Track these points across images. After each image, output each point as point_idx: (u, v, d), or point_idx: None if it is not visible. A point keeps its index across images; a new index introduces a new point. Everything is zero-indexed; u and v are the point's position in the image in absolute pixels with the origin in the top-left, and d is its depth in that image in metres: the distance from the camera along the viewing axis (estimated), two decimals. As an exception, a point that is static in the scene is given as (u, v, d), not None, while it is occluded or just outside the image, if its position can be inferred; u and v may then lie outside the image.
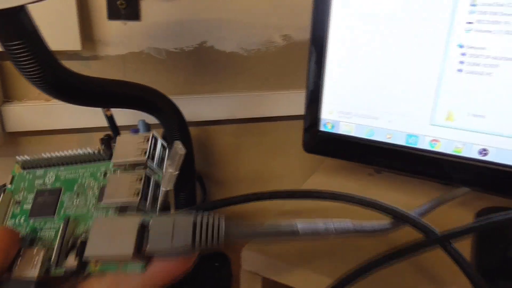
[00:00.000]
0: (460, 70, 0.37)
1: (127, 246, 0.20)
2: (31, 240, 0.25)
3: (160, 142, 0.25)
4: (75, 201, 0.25)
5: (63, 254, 0.23)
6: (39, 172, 0.28)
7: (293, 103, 0.66)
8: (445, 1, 0.36)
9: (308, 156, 0.50)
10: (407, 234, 0.33)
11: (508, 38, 0.35)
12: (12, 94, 0.58)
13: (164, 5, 0.58)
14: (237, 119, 0.66)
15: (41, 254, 0.23)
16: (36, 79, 0.32)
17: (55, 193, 0.26)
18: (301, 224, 0.24)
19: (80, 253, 0.22)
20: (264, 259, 0.39)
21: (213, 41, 0.61)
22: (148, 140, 0.24)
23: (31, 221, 0.26)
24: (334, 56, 0.42)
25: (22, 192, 0.27)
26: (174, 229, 0.21)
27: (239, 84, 0.65)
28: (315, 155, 0.49)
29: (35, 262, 0.23)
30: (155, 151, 0.24)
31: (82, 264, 0.22)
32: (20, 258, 0.23)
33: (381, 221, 0.33)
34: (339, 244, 0.40)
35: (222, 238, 0.21)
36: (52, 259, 0.23)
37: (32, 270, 0.22)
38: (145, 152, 0.23)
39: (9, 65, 0.56)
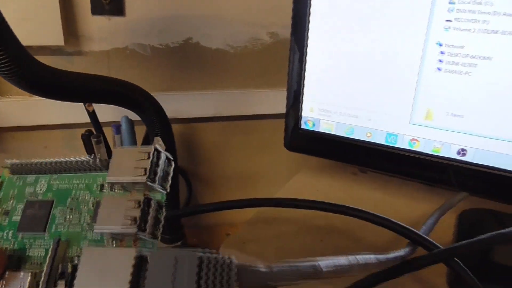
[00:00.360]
0: (439, 69, 0.37)
1: (121, 285, 0.17)
2: (19, 259, 0.23)
3: (163, 155, 0.22)
4: (68, 216, 0.23)
5: (51, 281, 0.21)
6: (30, 178, 0.26)
7: (279, 101, 0.65)
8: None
9: (294, 154, 0.50)
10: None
11: (486, 36, 0.34)
12: (-6, 90, 0.58)
13: (149, 0, 0.57)
14: (223, 116, 0.66)
15: (28, 280, 0.21)
16: (9, 74, 0.32)
17: (46, 206, 0.24)
18: (323, 262, 0.22)
19: (70, 283, 0.20)
20: (242, 258, 0.39)
21: (198, 37, 0.61)
22: (149, 155, 0.20)
23: (20, 237, 0.24)
24: (314, 54, 0.42)
25: (11, 201, 0.25)
26: (176, 270, 0.18)
27: (225, 81, 0.64)
28: (301, 154, 0.49)
29: None
30: (157, 167, 0.21)
31: None
32: (4, 282, 0.21)
33: (401, 249, 0.32)
34: (319, 244, 0.40)
35: (233, 284, 0.18)
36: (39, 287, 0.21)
37: None
38: (145, 170, 0.20)
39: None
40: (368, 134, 0.42)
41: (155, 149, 0.21)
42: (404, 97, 0.39)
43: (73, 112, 0.59)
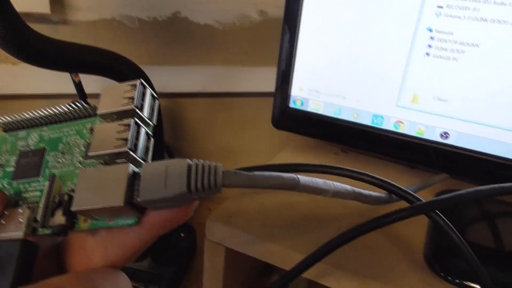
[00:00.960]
0: (427, 54, 0.38)
1: (117, 196, 0.18)
2: (15, 202, 0.24)
3: (149, 91, 0.22)
4: (60, 159, 0.24)
5: (49, 212, 0.22)
6: (22, 133, 0.26)
7: (266, 79, 0.66)
8: (417, -16, 0.37)
9: (278, 133, 0.50)
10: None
11: (475, 24, 0.36)
12: (-24, 56, 0.56)
13: (139, -29, 0.56)
14: (209, 93, 0.66)
15: (26, 213, 0.22)
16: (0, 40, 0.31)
17: (39, 154, 0.25)
18: (302, 177, 0.24)
19: (68, 209, 0.21)
20: (228, 230, 0.40)
21: (187, 12, 0.60)
22: (135, 87, 0.21)
23: (15, 184, 0.24)
24: (305, 34, 0.43)
25: (4, 156, 0.26)
26: (167, 176, 0.19)
27: (212, 57, 0.64)
28: (285, 133, 0.50)
29: (20, 222, 0.22)
30: (144, 101, 0.21)
31: (71, 221, 0.21)
32: (3, 220, 0.22)
33: (379, 192, 0.34)
34: (303, 219, 0.41)
35: (220, 184, 0.20)
36: (38, 218, 0.22)
37: (17, 230, 0.21)
38: (133, 99, 0.21)
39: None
40: (355, 115, 0.43)
41: (141, 82, 0.22)
42: (392, 80, 0.40)
43: (58, 82, 0.57)
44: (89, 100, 0.52)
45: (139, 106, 0.21)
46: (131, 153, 0.20)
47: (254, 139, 0.73)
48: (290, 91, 0.45)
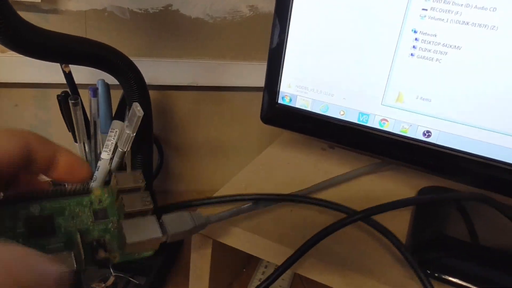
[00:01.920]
0: (412, 55, 0.39)
1: (155, 232, 0.27)
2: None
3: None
4: (71, 222, 0.26)
5: (89, 253, 0.25)
6: (21, 204, 0.26)
7: (255, 74, 0.67)
8: (404, -13, 0.38)
9: (266, 128, 0.51)
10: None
11: (457, 27, 0.37)
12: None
13: (130, -38, 0.56)
14: (199, 86, 0.66)
15: (72, 255, 0.23)
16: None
17: (48, 218, 0.26)
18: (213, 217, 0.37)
19: (106, 247, 0.26)
20: (216, 223, 0.41)
21: (178, 4, 0.60)
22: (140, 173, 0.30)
23: (32, 242, 0.24)
24: (295, 31, 0.43)
25: (7, 222, 0.25)
26: (181, 220, 0.31)
27: (203, 51, 0.64)
28: (273, 128, 0.51)
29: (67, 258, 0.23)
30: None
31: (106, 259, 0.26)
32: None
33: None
34: (286, 214, 0.42)
35: (207, 221, 0.34)
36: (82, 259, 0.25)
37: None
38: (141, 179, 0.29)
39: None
40: (342, 112, 0.44)
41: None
42: (378, 80, 0.41)
43: (47, 71, 0.57)
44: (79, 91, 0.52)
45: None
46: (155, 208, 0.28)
47: (243, 132, 0.73)
48: (279, 87, 0.46)
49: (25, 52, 0.38)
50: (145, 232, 0.27)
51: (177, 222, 0.30)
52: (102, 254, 0.26)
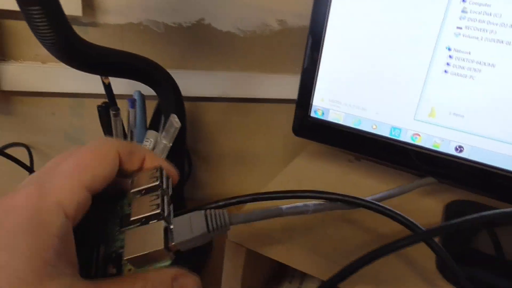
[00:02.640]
0: (446, 71, 0.40)
1: (158, 242, 0.24)
2: None
3: (165, 173, 0.28)
4: (98, 232, 0.27)
5: (101, 267, 0.25)
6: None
7: (282, 86, 0.68)
8: (438, 5, 0.39)
9: (291, 139, 0.52)
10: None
11: (492, 45, 0.38)
12: (9, 53, 0.58)
13: (166, -21, 0.59)
14: (228, 97, 0.68)
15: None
16: (49, 44, 0.33)
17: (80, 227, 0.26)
18: (285, 206, 0.32)
19: (116, 262, 0.25)
20: (250, 232, 0.42)
21: (210, 19, 0.62)
22: (157, 170, 0.28)
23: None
24: (330, 46, 0.45)
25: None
26: (191, 223, 0.26)
27: (233, 63, 0.66)
28: (298, 139, 0.52)
29: None
30: (163, 179, 0.28)
31: (119, 271, 0.25)
32: None
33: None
34: (320, 222, 0.43)
35: (228, 223, 0.27)
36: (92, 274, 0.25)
37: None
38: (156, 178, 0.27)
39: (8, 23, 0.57)
40: (374, 126, 0.45)
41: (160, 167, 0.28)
42: (411, 95, 0.42)
43: (82, 81, 0.60)
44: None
45: (162, 182, 0.27)
46: (162, 213, 0.25)
47: (269, 144, 0.75)
48: (312, 101, 0.47)
49: (74, 65, 0.40)
50: (147, 244, 0.24)
51: (187, 226, 0.26)
52: (112, 270, 0.25)
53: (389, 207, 0.35)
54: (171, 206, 0.27)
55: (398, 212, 0.34)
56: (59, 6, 0.33)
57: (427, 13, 0.40)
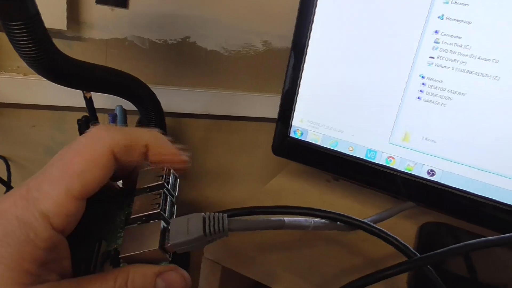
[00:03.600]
0: (419, 98, 0.42)
1: (153, 242, 0.23)
2: None
3: (172, 173, 0.28)
4: (104, 228, 0.27)
5: (99, 264, 0.25)
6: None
7: (264, 106, 0.69)
8: (413, 35, 0.41)
9: (272, 157, 0.53)
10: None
11: (462, 75, 0.39)
12: (-10, 65, 0.58)
13: (153, -4, 0.60)
14: (211, 114, 0.69)
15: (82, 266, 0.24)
16: (31, 60, 0.34)
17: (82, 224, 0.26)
18: (287, 218, 0.30)
19: (114, 259, 0.25)
20: (226, 250, 0.42)
21: (196, 37, 0.64)
22: (164, 169, 0.27)
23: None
24: (309, 69, 0.46)
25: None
26: (188, 225, 0.25)
27: (217, 81, 0.67)
28: (279, 158, 0.53)
29: None
30: (169, 179, 0.27)
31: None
32: None
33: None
34: (296, 242, 0.44)
35: (226, 229, 0.26)
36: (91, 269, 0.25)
37: None
38: (162, 176, 0.27)
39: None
40: (350, 148, 0.46)
41: (166, 167, 0.27)
42: (386, 120, 0.44)
43: (64, 95, 0.60)
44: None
45: (167, 182, 0.27)
46: (162, 213, 0.25)
47: (250, 161, 0.76)
48: (291, 122, 0.48)
49: (56, 80, 0.40)
50: (143, 243, 0.24)
51: (184, 228, 0.25)
52: (108, 267, 0.25)
53: (386, 231, 0.35)
54: (175, 207, 0.27)
55: (394, 236, 0.35)
56: (41, 22, 0.33)
57: (402, 42, 0.41)
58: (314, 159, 0.49)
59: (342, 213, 0.35)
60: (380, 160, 0.45)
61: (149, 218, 0.25)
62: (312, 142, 0.48)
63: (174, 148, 0.27)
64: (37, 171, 0.23)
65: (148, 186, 0.26)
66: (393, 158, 0.45)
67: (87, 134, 0.24)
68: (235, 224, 0.26)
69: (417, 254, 0.34)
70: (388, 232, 0.35)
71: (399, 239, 0.35)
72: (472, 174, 0.42)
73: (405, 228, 0.50)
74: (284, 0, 0.63)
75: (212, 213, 0.26)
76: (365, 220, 0.36)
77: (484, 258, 0.45)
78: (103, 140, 0.24)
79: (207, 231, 0.25)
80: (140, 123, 0.57)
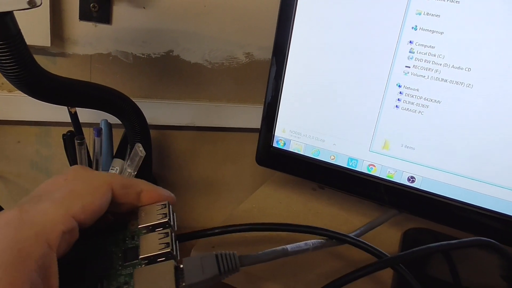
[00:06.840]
0: (397, 106, 0.43)
1: (169, 284, 0.24)
2: None
3: (172, 209, 0.29)
4: (102, 266, 0.26)
5: None
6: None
7: (249, 116, 0.70)
8: (388, 45, 0.42)
9: (258, 168, 0.54)
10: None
11: (437, 84, 0.41)
12: (-26, 82, 0.58)
13: (136, 12, 0.60)
14: (196, 126, 0.69)
15: None
16: (14, 78, 0.34)
17: (79, 263, 0.26)
18: (290, 246, 0.33)
19: None
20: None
21: (179, 51, 0.64)
22: (166, 206, 0.28)
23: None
24: (290, 80, 0.47)
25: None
26: (203, 265, 0.26)
27: (201, 93, 0.68)
28: (265, 168, 0.53)
29: None
30: (171, 215, 0.28)
31: None
32: None
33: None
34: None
35: (238, 265, 0.27)
36: None
37: None
38: (165, 214, 0.27)
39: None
40: (332, 157, 0.47)
41: (168, 203, 0.29)
42: (366, 128, 0.45)
43: (49, 110, 0.60)
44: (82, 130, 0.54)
45: (171, 219, 0.28)
46: (173, 252, 0.26)
47: (236, 172, 0.76)
48: (274, 132, 0.49)
49: (40, 97, 0.40)
50: (158, 285, 0.24)
51: (199, 268, 0.25)
52: None
53: (370, 244, 0.37)
54: (177, 243, 0.27)
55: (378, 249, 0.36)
56: (22, 41, 0.34)
57: (379, 52, 0.43)
58: (297, 168, 0.50)
59: (334, 231, 0.37)
60: (362, 168, 0.46)
61: (159, 257, 0.25)
62: (295, 151, 0.49)
63: (164, 190, 0.29)
64: (23, 185, 0.24)
65: (151, 224, 0.27)
66: (374, 166, 0.46)
67: (85, 171, 0.26)
68: (245, 260, 0.28)
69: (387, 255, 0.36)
70: (373, 246, 0.37)
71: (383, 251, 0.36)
72: (451, 180, 0.43)
73: (389, 234, 0.51)
74: (266, 12, 0.64)
75: (223, 252, 0.27)
76: (353, 235, 0.38)
77: (465, 262, 0.46)
78: (104, 175, 0.26)
79: (222, 269, 0.26)
80: (125, 136, 0.58)
